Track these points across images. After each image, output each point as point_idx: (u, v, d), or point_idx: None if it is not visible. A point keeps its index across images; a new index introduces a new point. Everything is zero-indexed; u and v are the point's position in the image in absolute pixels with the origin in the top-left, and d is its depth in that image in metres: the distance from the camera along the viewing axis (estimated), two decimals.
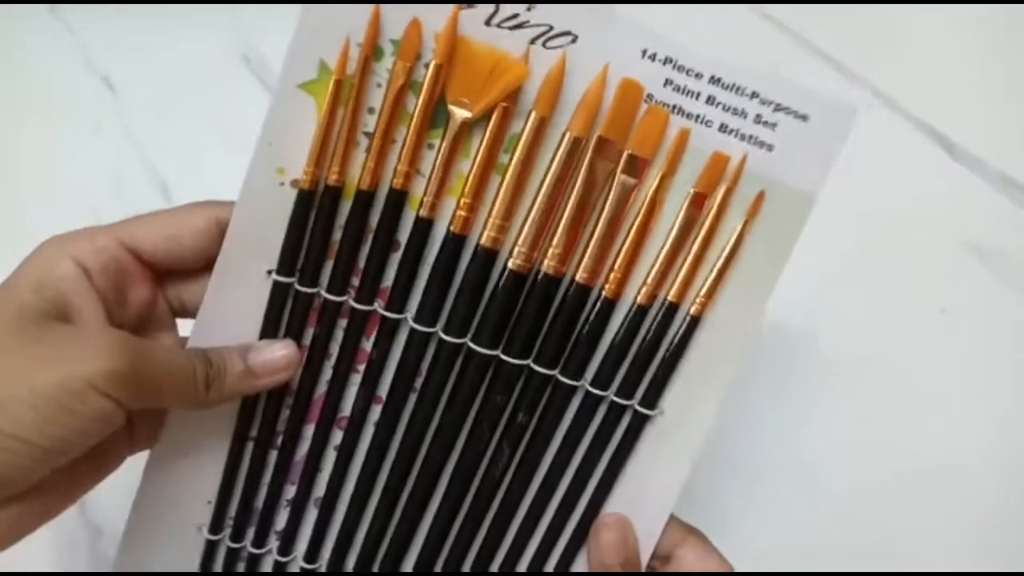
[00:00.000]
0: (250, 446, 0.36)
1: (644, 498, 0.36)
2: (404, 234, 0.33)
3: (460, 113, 0.32)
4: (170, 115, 0.54)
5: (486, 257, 0.33)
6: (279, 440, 0.36)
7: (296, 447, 0.36)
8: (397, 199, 0.33)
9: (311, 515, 0.37)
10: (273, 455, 0.36)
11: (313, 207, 0.33)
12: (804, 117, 0.33)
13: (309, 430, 0.36)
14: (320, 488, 0.36)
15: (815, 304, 0.49)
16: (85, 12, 0.56)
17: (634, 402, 0.35)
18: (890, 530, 0.46)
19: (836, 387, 0.50)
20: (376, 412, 0.35)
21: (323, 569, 0.37)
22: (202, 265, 0.33)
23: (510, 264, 0.33)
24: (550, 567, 0.36)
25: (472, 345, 0.34)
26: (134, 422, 0.33)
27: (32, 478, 0.28)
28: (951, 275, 0.52)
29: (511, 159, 0.33)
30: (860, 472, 0.47)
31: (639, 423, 0.35)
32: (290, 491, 0.36)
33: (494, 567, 0.37)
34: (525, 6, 0.32)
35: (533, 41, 0.32)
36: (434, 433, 0.35)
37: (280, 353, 0.33)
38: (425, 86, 0.32)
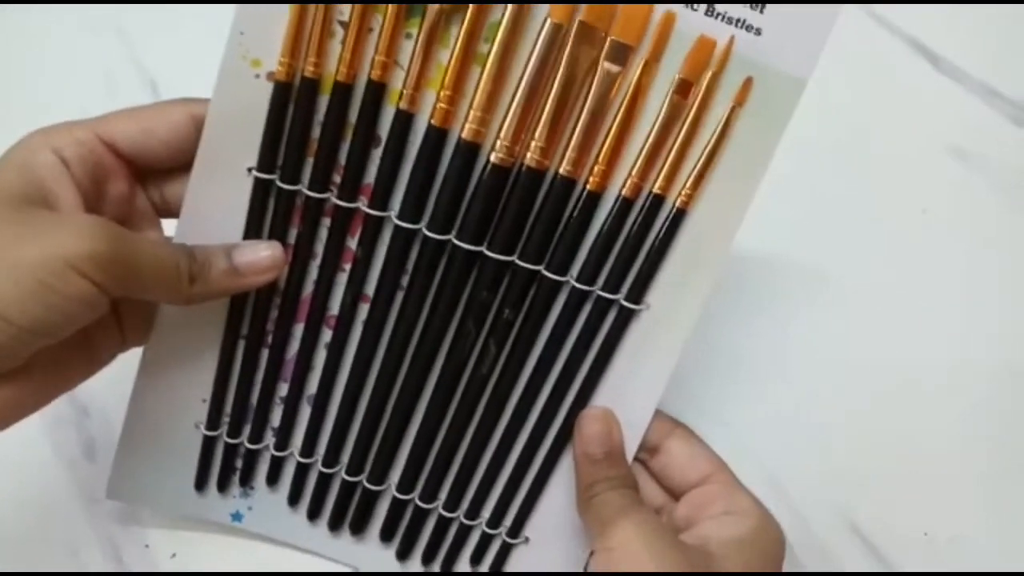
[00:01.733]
0: (242, 345, 0.36)
1: (631, 392, 0.36)
2: (384, 129, 0.33)
3: None
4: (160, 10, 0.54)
5: (468, 151, 0.33)
6: (269, 339, 0.36)
7: (287, 346, 0.36)
8: (375, 91, 0.32)
9: (305, 412, 0.37)
10: (265, 353, 0.36)
11: (291, 100, 0.32)
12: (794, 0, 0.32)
13: (299, 329, 0.36)
14: (312, 385, 0.37)
15: (799, 209, 0.49)
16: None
17: (620, 297, 0.34)
18: (877, 427, 0.46)
19: (820, 291, 0.49)
20: (364, 311, 0.36)
21: (319, 463, 0.38)
22: (181, 163, 0.33)
23: (492, 158, 0.33)
24: (538, 461, 0.37)
25: (456, 241, 0.34)
26: (122, 315, 0.34)
27: (17, 358, 0.28)
28: (933, 177, 0.52)
29: (491, 48, 0.32)
30: (845, 371, 0.47)
31: (625, 318, 0.35)
32: (283, 388, 0.37)
33: (483, 462, 0.37)
34: None
35: None
36: (421, 331, 0.35)
37: (265, 253, 0.33)
38: None
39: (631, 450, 0.36)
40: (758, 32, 0.32)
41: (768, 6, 0.32)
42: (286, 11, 0.31)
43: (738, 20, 0.32)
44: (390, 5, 0.31)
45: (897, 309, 0.49)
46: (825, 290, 0.49)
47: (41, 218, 0.29)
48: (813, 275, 0.50)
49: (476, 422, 0.37)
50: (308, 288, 0.35)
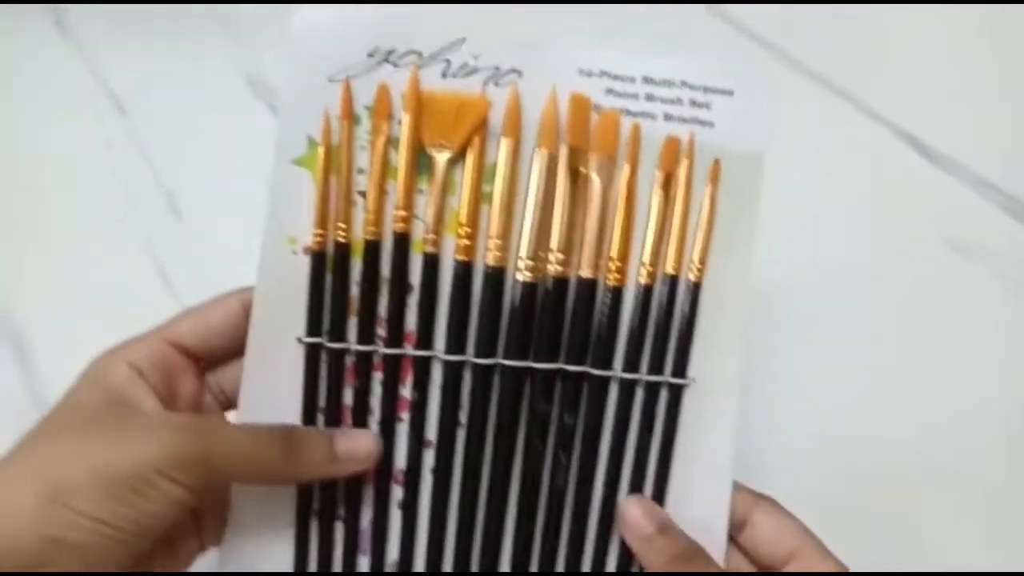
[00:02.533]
0: (315, 523, 0.35)
1: (702, 470, 0.36)
2: (415, 276, 0.36)
3: (441, 154, 0.36)
4: (178, 134, 0.56)
5: (495, 276, 0.36)
6: (342, 511, 0.36)
7: (359, 515, 0.36)
8: (401, 242, 0.36)
9: None
10: (340, 527, 0.36)
11: (327, 266, 0.35)
12: (730, 92, 0.38)
13: (368, 492, 0.36)
14: (393, 550, 0.36)
15: (801, 304, 0.52)
16: (94, 31, 0.58)
17: (666, 375, 0.36)
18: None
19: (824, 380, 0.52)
20: (429, 457, 0.36)
21: None
22: (235, 351, 0.35)
23: (519, 276, 0.36)
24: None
25: (503, 361, 0.36)
26: (202, 513, 0.33)
27: (111, 562, 0.28)
28: (932, 270, 0.54)
29: (494, 183, 0.36)
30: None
31: (676, 394, 0.36)
32: (363, 562, 0.36)
33: (585, 568, 0.36)
34: (471, 55, 0.36)
35: (485, 83, 0.36)
36: (491, 460, 0.36)
37: (364, 442, 0.34)
38: (405, 138, 0.35)
39: (721, 527, 0.36)
40: (711, 125, 0.37)
41: (712, 104, 0.37)
42: (313, 192, 0.35)
43: (692, 119, 0.37)
44: (401, 168, 0.35)
45: (898, 398, 0.51)
46: (827, 379, 0.52)
47: (125, 423, 0.30)
48: (816, 366, 0.52)
49: (565, 538, 0.36)
50: None
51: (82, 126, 0.56)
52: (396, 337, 0.36)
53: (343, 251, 0.35)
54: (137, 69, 0.57)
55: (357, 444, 0.34)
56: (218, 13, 0.58)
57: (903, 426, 0.51)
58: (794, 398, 0.51)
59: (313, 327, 0.35)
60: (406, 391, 0.36)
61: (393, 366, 0.36)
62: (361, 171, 0.36)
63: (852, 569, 0.35)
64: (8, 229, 0.52)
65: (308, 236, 0.35)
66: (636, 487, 0.36)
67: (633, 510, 0.35)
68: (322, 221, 0.35)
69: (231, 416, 0.36)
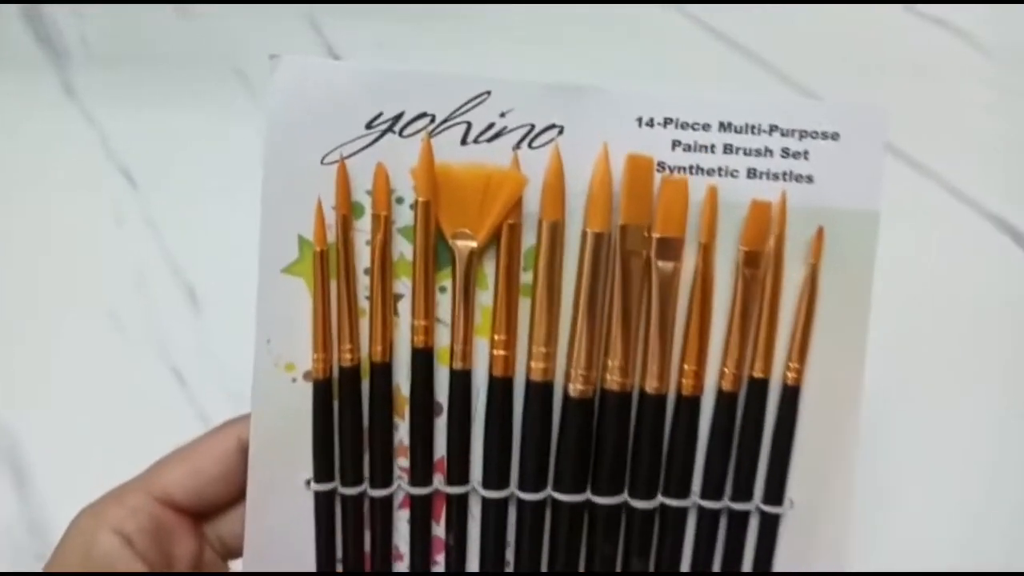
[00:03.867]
0: None
1: None
2: (442, 394, 0.29)
3: (464, 245, 0.28)
4: (191, 206, 0.50)
5: (541, 392, 0.29)
6: None
7: None
8: (424, 359, 0.29)
9: None
10: None
11: (333, 394, 0.29)
12: (835, 136, 0.29)
13: None
14: None
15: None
16: (103, 100, 0.53)
17: (756, 502, 0.30)
18: None
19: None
20: None
21: None
22: (235, 497, 0.29)
23: (570, 391, 0.29)
24: None
25: (556, 495, 0.29)
26: None
27: None
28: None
29: (535, 276, 0.29)
30: None
31: (771, 526, 0.30)
32: None
33: None
34: (498, 112, 0.29)
35: (518, 145, 0.29)
36: None
37: None
38: (418, 228, 0.28)
39: None
40: (810, 180, 0.29)
41: (811, 153, 0.29)
42: (308, 306, 0.28)
43: (785, 174, 0.29)
44: (417, 265, 0.28)
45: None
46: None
47: None
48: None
49: None
50: None
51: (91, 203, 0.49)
52: (424, 470, 0.29)
53: (351, 376, 0.29)
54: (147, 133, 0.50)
55: None
56: (239, 68, 0.50)
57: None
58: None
59: (322, 468, 0.29)
60: (439, 530, 0.30)
61: (423, 505, 0.30)
62: (368, 272, 0.29)
63: None
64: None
65: (308, 361, 0.29)
66: None
67: None
68: (323, 342, 0.28)
69: (235, 565, 0.30)
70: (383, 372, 0.29)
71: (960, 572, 0.39)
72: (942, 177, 0.49)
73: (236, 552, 0.30)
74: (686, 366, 0.29)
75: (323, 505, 0.29)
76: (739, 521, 0.30)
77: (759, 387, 0.29)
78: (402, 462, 0.30)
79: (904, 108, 0.47)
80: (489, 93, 0.29)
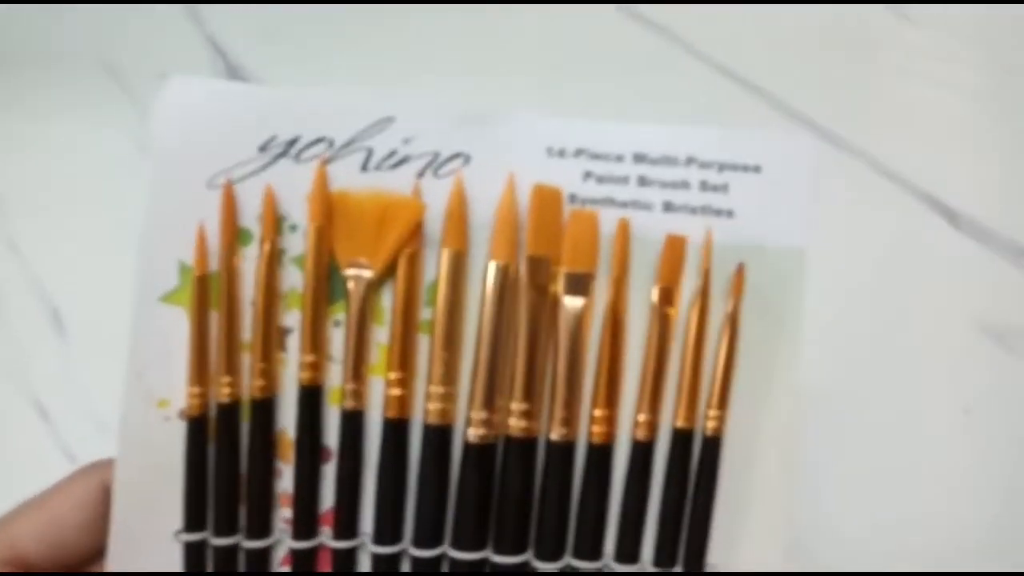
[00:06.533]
0: None
1: None
2: (331, 437, 0.27)
3: (359, 275, 0.27)
4: (57, 222, 0.45)
5: (438, 437, 0.26)
6: None
7: None
8: (311, 397, 0.27)
9: None
10: None
11: (208, 435, 0.26)
12: (756, 168, 0.28)
13: None
14: None
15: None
16: None
17: (677, 567, 0.27)
18: None
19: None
20: None
21: None
22: (99, 547, 0.26)
23: (470, 437, 0.26)
24: None
25: (453, 552, 0.26)
26: None
27: None
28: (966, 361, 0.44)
29: (435, 309, 0.27)
30: None
31: None
32: None
33: None
34: (402, 139, 0.27)
35: (421, 173, 0.27)
36: None
37: None
38: (309, 255, 0.26)
39: None
40: (730, 214, 0.28)
41: (731, 186, 0.27)
42: (185, 336, 0.26)
43: (703, 207, 0.28)
44: (307, 294, 0.27)
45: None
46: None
47: None
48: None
49: None
50: None
51: None
52: (308, 521, 0.27)
53: (229, 413, 0.26)
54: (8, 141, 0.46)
55: None
56: (109, 62, 0.45)
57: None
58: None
59: (193, 516, 0.26)
60: None
61: (306, 559, 0.27)
62: (255, 304, 0.27)
63: None
64: None
65: (182, 397, 0.26)
66: None
67: None
68: (199, 375, 0.26)
69: None
70: (263, 410, 0.26)
71: (956, 572, 0.38)
72: (873, 157, 0.46)
73: None
74: (596, 411, 0.27)
75: (193, 558, 0.26)
76: None
77: (680, 439, 0.27)
78: (285, 512, 0.27)
79: (833, 86, 0.46)
80: (392, 119, 0.27)
